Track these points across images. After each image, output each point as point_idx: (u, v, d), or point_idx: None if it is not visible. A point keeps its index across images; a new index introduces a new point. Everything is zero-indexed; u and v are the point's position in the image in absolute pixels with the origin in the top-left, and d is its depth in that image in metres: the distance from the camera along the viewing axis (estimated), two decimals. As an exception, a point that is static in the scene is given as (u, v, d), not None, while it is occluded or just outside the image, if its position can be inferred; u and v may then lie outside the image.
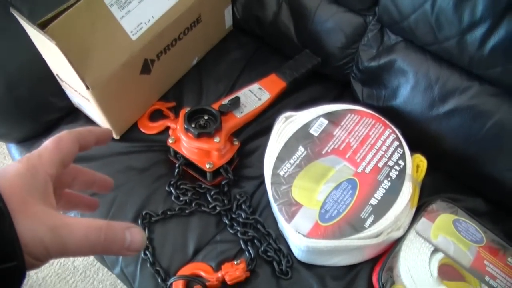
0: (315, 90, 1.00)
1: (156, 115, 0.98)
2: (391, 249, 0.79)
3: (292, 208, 0.78)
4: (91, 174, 0.47)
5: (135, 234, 0.37)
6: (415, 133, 0.87)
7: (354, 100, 0.98)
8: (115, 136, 0.94)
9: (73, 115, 0.98)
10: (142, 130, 0.96)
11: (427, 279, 0.76)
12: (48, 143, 0.39)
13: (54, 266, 1.33)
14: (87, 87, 0.80)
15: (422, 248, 0.79)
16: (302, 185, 0.80)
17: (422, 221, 0.81)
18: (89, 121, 0.97)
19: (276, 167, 0.82)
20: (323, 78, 1.03)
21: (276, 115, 0.95)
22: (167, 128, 0.95)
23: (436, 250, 0.78)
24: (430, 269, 0.77)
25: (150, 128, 0.96)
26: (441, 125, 0.85)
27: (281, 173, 0.81)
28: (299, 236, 0.76)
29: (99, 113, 0.87)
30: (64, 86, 0.91)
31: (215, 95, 1.00)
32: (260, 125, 0.95)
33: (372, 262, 0.82)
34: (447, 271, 0.78)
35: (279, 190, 0.80)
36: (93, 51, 0.80)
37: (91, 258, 1.33)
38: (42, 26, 0.75)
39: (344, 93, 1.02)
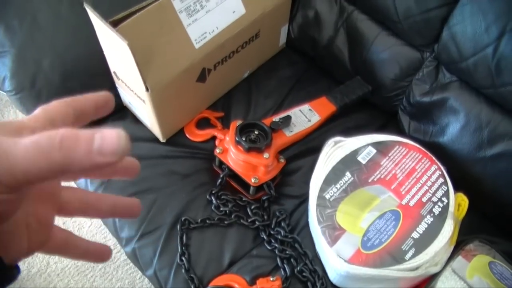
0: (361, 117, 1.02)
1: (203, 123, 0.99)
2: (427, 283, 0.80)
3: (335, 232, 0.80)
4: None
5: (107, 131, 0.25)
6: (458, 171, 0.89)
7: (399, 131, 1.00)
8: (162, 139, 0.96)
9: (121, 113, 1.00)
10: (188, 136, 0.97)
11: (459, 318, 0.78)
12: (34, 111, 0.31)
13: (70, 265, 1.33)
14: (147, 89, 0.81)
15: (457, 286, 0.80)
16: (347, 210, 0.82)
17: (459, 260, 0.82)
18: (136, 120, 0.99)
19: (322, 190, 0.84)
20: (369, 106, 1.04)
21: (321, 137, 0.96)
22: (213, 137, 0.96)
23: (470, 290, 0.80)
24: (463, 308, 0.78)
25: (197, 136, 0.97)
26: (486, 168, 0.86)
27: (327, 196, 0.83)
28: (341, 261, 0.77)
29: (152, 115, 0.88)
30: (119, 84, 0.92)
31: (263, 110, 1.01)
32: (305, 146, 0.96)
33: (406, 294, 0.83)
34: (479, 312, 0.80)
35: (324, 213, 0.81)
36: (158, 54, 0.82)
37: (114, 256, 1.33)
38: (113, 25, 0.77)
39: (389, 123, 1.03)
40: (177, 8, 0.83)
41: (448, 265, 0.81)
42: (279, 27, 1.05)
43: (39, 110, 0.31)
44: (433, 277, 0.80)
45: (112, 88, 0.95)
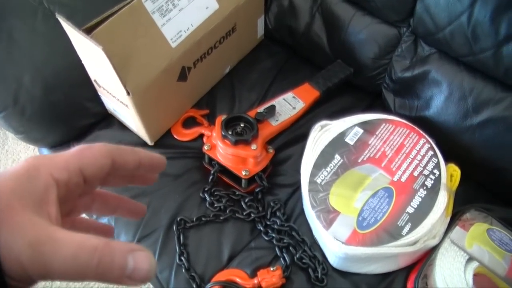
0: (346, 100, 1.02)
1: (189, 122, 0.99)
2: (427, 257, 0.80)
3: (330, 215, 0.79)
4: (117, 199, 0.40)
5: (141, 259, 0.27)
6: (447, 143, 0.88)
7: (385, 110, 1.00)
8: (150, 143, 0.96)
9: (107, 121, 1.00)
10: (175, 136, 0.97)
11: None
12: (73, 148, 0.33)
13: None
14: (128, 93, 0.81)
15: (457, 257, 0.80)
16: (340, 192, 0.81)
17: (457, 230, 0.82)
18: (122, 126, 0.98)
19: (313, 174, 0.83)
20: (353, 88, 1.04)
21: (308, 124, 0.96)
22: (201, 135, 0.96)
23: (471, 259, 0.79)
24: (465, 278, 0.78)
25: (184, 135, 0.97)
26: (474, 136, 0.86)
27: (318, 180, 0.83)
28: (338, 243, 0.77)
29: (136, 119, 0.88)
30: (101, 92, 0.92)
31: (247, 103, 1.01)
32: (293, 134, 0.96)
33: (406, 270, 0.83)
34: (482, 280, 0.79)
35: (316, 197, 0.81)
36: (135, 57, 0.82)
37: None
38: (87, 32, 0.77)
39: (374, 103, 1.03)
40: (150, 9, 0.83)
41: (447, 236, 0.81)
42: (255, 19, 1.05)
43: (75, 152, 0.32)
44: (433, 250, 0.80)
45: (96, 97, 0.95)
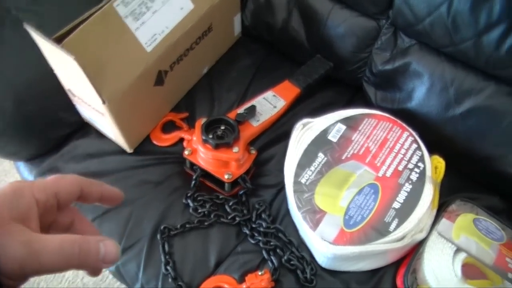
0: (327, 95, 1.00)
1: (168, 127, 0.97)
2: (415, 251, 0.79)
3: (316, 215, 0.78)
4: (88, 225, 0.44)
5: (109, 246, 0.36)
6: (430, 134, 0.88)
7: (367, 103, 0.99)
8: (129, 150, 0.93)
9: (84, 130, 0.97)
10: (155, 142, 0.95)
11: (451, 279, 0.77)
12: (50, 176, 0.40)
13: (63, 284, 1.30)
14: (104, 102, 0.79)
15: (445, 249, 0.79)
16: (325, 191, 0.80)
17: (443, 222, 0.81)
18: (99, 135, 0.96)
19: (297, 174, 0.82)
20: (334, 82, 1.03)
21: (290, 122, 0.95)
22: (181, 139, 0.94)
23: (458, 250, 0.79)
24: (454, 269, 0.77)
25: (163, 140, 0.95)
26: (458, 126, 0.86)
27: (303, 180, 0.81)
28: (325, 243, 0.76)
29: (114, 127, 0.86)
30: (76, 101, 0.89)
31: (227, 103, 0.99)
32: (274, 133, 0.95)
33: (395, 265, 0.82)
34: (470, 270, 0.79)
35: (301, 198, 0.80)
36: (109, 64, 0.79)
37: (103, 275, 1.30)
38: (57, 41, 0.74)
39: (356, 97, 1.02)
40: (122, 13, 0.80)
41: (434, 229, 0.81)
42: (231, 17, 1.03)
43: (52, 180, 0.39)
44: (420, 243, 0.80)
45: (71, 106, 0.92)
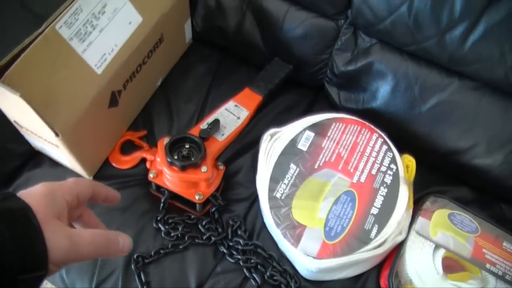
0: (289, 98, 0.98)
1: (127, 147, 0.91)
2: (396, 253, 0.80)
3: (296, 230, 0.76)
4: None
5: (125, 238, 0.47)
6: (398, 132, 0.87)
7: (331, 104, 0.97)
8: (88, 177, 0.87)
9: (36, 159, 0.89)
10: (115, 165, 0.89)
11: (434, 277, 0.78)
12: (69, 179, 0.48)
13: None
14: (57, 134, 0.72)
15: (425, 247, 0.80)
16: (302, 204, 0.78)
17: (420, 221, 0.82)
18: (54, 164, 0.89)
19: (271, 189, 0.80)
20: (294, 84, 1.00)
21: (254, 130, 0.92)
22: (142, 159, 0.89)
23: (437, 246, 0.80)
24: (435, 266, 0.78)
25: (124, 163, 0.89)
26: (424, 123, 0.86)
27: (278, 195, 0.79)
28: (309, 258, 0.75)
29: (69, 157, 0.80)
30: (24, 132, 0.82)
31: (187, 116, 0.95)
32: (239, 143, 0.91)
33: (377, 267, 0.82)
34: (450, 264, 0.80)
35: (279, 213, 0.78)
36: (58, 93, 0.72)
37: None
38: (-2, 74, 0.66)
39: (318, 98, 1.00)
40: (66, 36, 0.73)
41: (411, 229, 0.81)
42: (182, 24, 0.97)
43: (73, 183, 0.47)
44: (400, 244, 0.80)
45: (18, 136, 0.85)
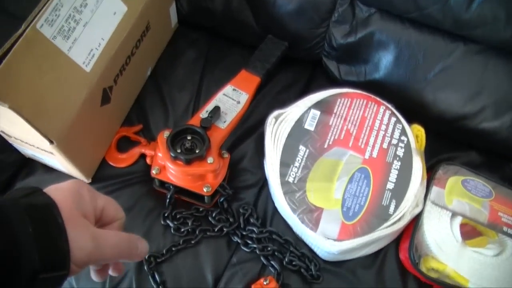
0: (286, 76, 0.94)
1: (124, 144, 0.86)
2: (413, 226, 0.78)
3: (313, 214, 0.74)
4: None
5: (143, 243, 0.47)
6: (401, 102, 0.85)
7: (330, 79, 0.94)
8: (87, 180, 0.82)
9: (28, 167, 0.84)
10: (113, 164, 0.85)
11: (453, 245, 0.77)
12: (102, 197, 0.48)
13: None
14: (51, 142, 0.68)
15: (442, 217, 0.79)
16: (316, 187, 0.76)
17: (434, 190, 0.81)
18: (48, 169, 0.84)
19: (282, 174, 0.77)
20: (289, 62, 0.95)
21: (254, 113, 0.89)
22: (141, 155, 0.85)
23: (454, 214, 0.79)
24: (454, 235, 0.78)
25: (122, 161, 0.85)
26: (430, 90, 0.84)
27: (290, 179, 0.76)
28: (330, 242, 0.73)
29: (65, 163, 0.75)
30: (13, 141, 0.77)
31: (182, 105, 0.90)
32: (241, 128, 0.88)
33: (395, 241, 0.81)
34: (467, 231, 0.80)
35: (294, 199, 0.75)
36: (48, 97, 0.67)
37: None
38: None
39: (316, 74, 0.97)
40: (48, 34, 0.67)
41: (427, 199, 0.80)
42: (167, 8, 0.92)
43: (105, 197, 0.46)
44: (417, 217, 0.79)
45: (6, 145, 0.79)
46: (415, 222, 0.78)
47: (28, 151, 0.79)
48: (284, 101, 0.89)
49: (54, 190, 0.41)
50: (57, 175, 0.83)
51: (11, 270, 0.35)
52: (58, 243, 0.37)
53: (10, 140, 0.77)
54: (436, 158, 0.86)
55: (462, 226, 0.79)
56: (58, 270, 0.38)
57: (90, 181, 0.83)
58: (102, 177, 0.84)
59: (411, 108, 0.85)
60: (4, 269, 0.34)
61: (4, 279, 0.34)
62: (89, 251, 0.40)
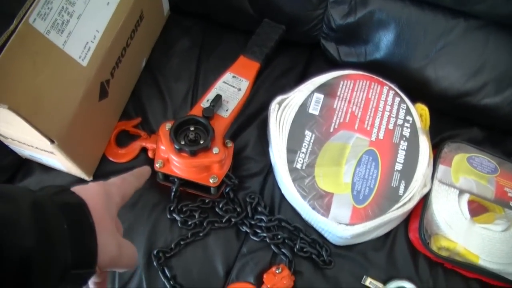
0: (284, 60, 0.92)
1: (123, 139, 0.84)
2: (422, 205, 0.78)
3: (324, 200, 0.73)
4: None
5: (146, 168, 0.57)
6: (403, 81, 0.84)
7: (329, 61, 0.92)
8: (88, 178, 0.80)
9: (25, 168, 0.81)
10: (113, 160, 0.82)
11: (462, 222, 0.77)
12: (114, 178, 0.51)
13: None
14: (52, 141, 0.65)
15: (449, 195, 0.79)
16: (325, 172, 0.75)
17: (441, 169, 0.81)
18: (46, 169, 0.81)
19: (290, 161, 0.76)
20: (285, 45, 0.93)
21: (254, 100, 0.88)
22: (142, 149, 0.83)
23: (461, 192, 0.79)
24: (462, 212, 0.78)
25: (122, 156, 0.82)
26: (431, 68, 0.83)
27: (298, 166, 0.75)
28: (342, 226, 0.72)
29: (65, 161, 0.72)
30: (10, 142, 0.74)
31: (179, 95, 0.88)
32: (242, 116, 0.86)
33: (404, 221, 0.81)
34: (474, 207, 0.80)
35: (303, 185, 0.74)
36: (45, 95, 0.64)
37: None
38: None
39: (314, 57, 0.95)
40: (42, 29, 0.64)
41: (434, 178, 0.80)
42: (158, -4, 0.89)
43: (121, 183, 0.50)
44: (425, 197, 0.78)
45: (2, 148, 0.76)
46: (424, 201, 0.78)
47: (25, 151, 0.76)
48: (284, 86, 0.87)
49: (83, 191, 0.42)
50: (55, 175, 0.81)
51: (46, 263, 0.36)
52: (88, 242, 0.39)
53: (6, 142, 0.74)
54: (440, 136, 0.86)
55: (470, 203, 0.79)
56: (87, 267, 0.39)
57: (91, 178, 0.80)
58: (103, 173, 0.81)
59: (413, 87, 0.84)
60: (41, 262, 0.35)
61: (38, 272, 0.35)
62: (112, 257, 0.42)
